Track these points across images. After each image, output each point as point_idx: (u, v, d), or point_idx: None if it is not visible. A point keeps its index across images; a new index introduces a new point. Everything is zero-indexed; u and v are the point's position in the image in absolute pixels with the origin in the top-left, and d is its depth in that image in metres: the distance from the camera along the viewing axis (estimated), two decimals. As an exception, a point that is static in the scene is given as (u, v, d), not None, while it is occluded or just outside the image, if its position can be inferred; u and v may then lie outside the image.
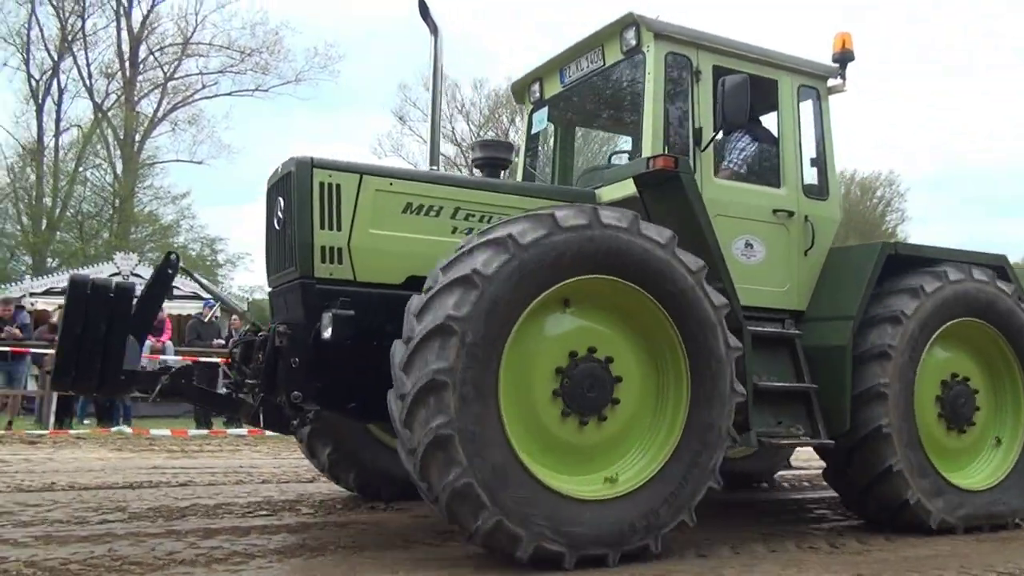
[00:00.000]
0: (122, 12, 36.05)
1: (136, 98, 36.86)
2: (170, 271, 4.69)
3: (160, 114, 37.24)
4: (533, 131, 6.87)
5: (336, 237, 4.92)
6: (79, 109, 41.50)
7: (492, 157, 5.91)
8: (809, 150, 6.32)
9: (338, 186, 4.97)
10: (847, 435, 5.64)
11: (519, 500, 4.23)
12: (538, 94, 6.67)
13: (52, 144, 35.60)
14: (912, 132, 64.69)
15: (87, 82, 35.93)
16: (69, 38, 35.40)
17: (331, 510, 6.30)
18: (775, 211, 5.95)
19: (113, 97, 36.53)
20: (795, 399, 5.64)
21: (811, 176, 6.32)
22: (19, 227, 35.84)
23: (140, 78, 37.06)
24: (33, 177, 34.97)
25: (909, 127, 64.41)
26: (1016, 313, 6.15)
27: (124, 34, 36.29)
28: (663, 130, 5.59)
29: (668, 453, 4.70)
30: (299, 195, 4.92)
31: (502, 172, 5.96)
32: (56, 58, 35.31)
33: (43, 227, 34.82)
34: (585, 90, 6.46)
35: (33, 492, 6.90)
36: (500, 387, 4.31)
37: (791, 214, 6.00)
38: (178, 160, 38.00)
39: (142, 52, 36.63)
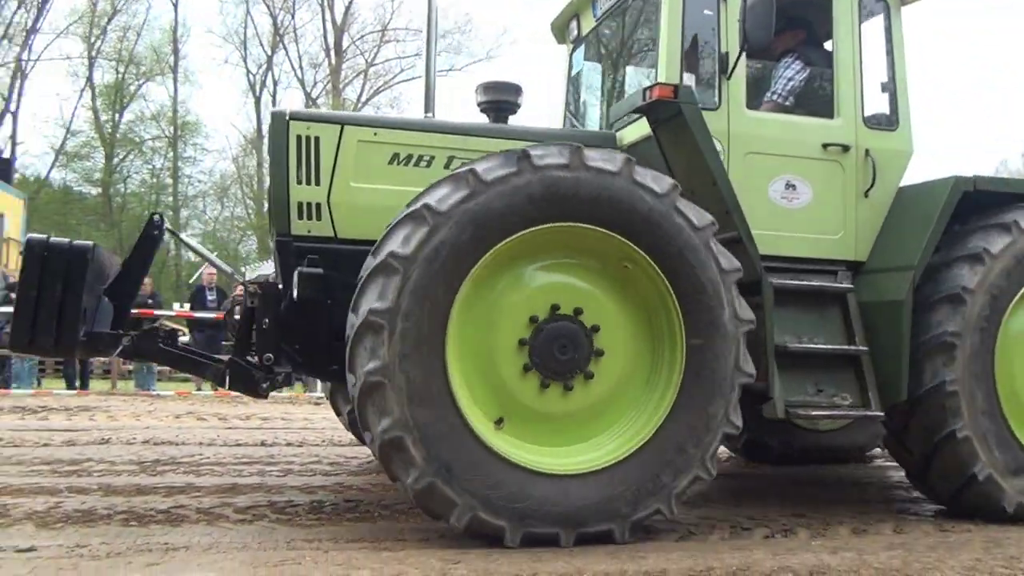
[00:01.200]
0: (326, 5, 38.37)
1: (341, 85, 39.31)
2: (156, 233, 4.78)
3: (363, 99, 39.42)
4: (573, 72, 6.40)
5: (314, 192, 4.77)
6: (291, 99, 44.85)
7: (497, 100, 5.39)
8: (879, 74, 5.42)
9: (316, 139, 4.79)
10: (907, 399, 4.85)
11: (459, 463, 3.93)
12: (576, 31, 6.19)
13: (270, 133, 38.78)
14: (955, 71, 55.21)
15: (298, 73, 38.77)
16: (280, 33, 38.23)
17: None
18: (826, 146, 5.16)
19: (320, 86, 39.15)
20: (842, 364, 4.93)
21: (881, 104, 5.42)
22: (245, 211, 39.51)
23: (344, 66, 39.43)
24: (254, 164, 38.32)
25: (951, 66, 54.71)
26: None
27: (328, 26, 38.71)
28: (679, 57, 4.96)
29: (648, 435, 4.22)
30: (275, 150, 4.80)
31: (509, 117, 5.50)
32: (270, 52, 38.32)
33: (264, 210, 38.09)
34: (616, 22, 5.92)
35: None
36: (448, 337, 4.00)
37: (846, 148, 5.19)
38: (381, 142, 39.99)
39: (345, 41, 38.92)
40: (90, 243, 4.36)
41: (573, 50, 6.35)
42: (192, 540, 4.11)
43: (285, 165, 4.76)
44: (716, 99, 5.00)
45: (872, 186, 5.23)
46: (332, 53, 38.92)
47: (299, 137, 4.79)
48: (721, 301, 4.26)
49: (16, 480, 5.59)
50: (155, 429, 8.95)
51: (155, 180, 40.07)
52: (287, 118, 4.81)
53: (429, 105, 5.54)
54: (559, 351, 4.23)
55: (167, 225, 4.85)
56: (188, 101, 44.90)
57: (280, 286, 4.71)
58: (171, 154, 38.34)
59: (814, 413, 4.87)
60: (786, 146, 5.12)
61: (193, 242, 5.40)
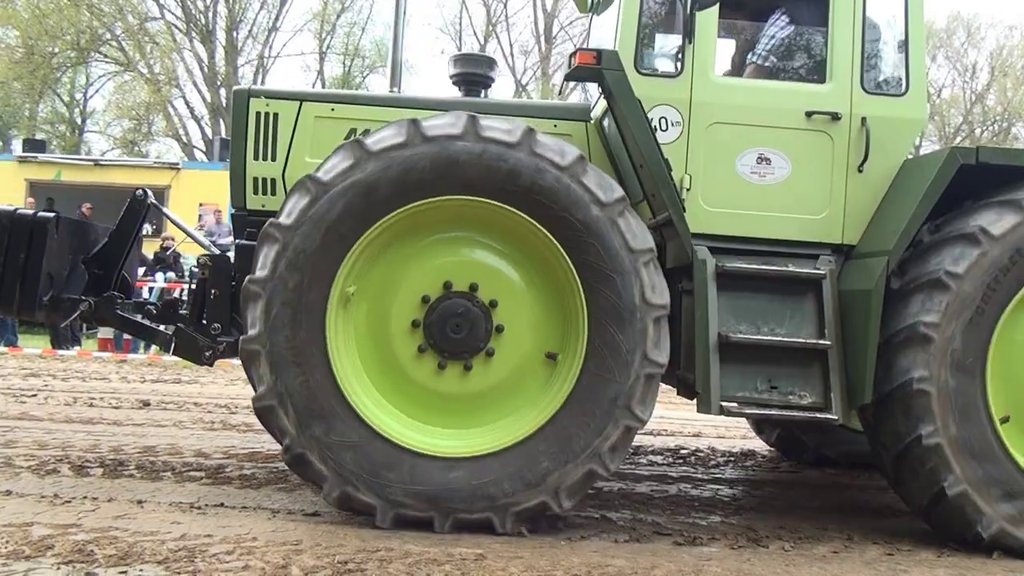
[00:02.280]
0: (537, -8, 39.01)
1: (551, 71, 39.85)
2: (138, 206, 5.13)
3: (571, 85, 39.70)
4: (590, 41, 6.06)
5: (270, 168, 4.87)
6: (502, 87, 46.05)
7: (469, 73, 5.22)
8: (893, 34, 4.73)
9: (275, 115, 4.85)
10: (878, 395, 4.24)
11: (333, 436, 3.91)
12: None
13: (485, 120, 40.36)
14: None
15: (509, 61, 39.77)
16: (493, 22, 39.41)
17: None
18: (810, 114, 4.57)
19: (530, 72, 39.92)
20: (805, 359, 4.36)
21: (893, 66, 4.72)
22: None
23: (553, 52, 39.89)
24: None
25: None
26: None
27: (539, 13, 39.34)
28: (635, 21, 4.59)
29: (540, 423, 4.01)
30: (235, 125, 4.92)
31: (484, 91, 5.30)
32: (483, 42, 39.60)
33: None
34: None
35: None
36: (330, 309, 3.95)
37: (836, 117, 4.57)
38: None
39: (555, 28, 39.39)
40: (52, 215, 4.72)
41: (592, 18, 6.03)
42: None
43: (244, 140, 4.87)
44: (677, 65, 4.60)
45: (865, 159, 4.56)
46: (542, 40, 39.55)
47: (259, 113, 4.88)
48: (628, 282, 3.97)
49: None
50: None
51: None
52: (247, 95, 4.91)
53: (395, 80, 5.48)
54: (453, 330, 4.09)
55: (151, 199, 5.18)
56: (406, 91, 47.40)
57: (200, 259, 4.87)
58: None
59: (748, 411, 4.39)
60: (759, 115, 4.59)
61: (174, 216, 5.74)
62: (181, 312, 5.06)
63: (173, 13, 35.40)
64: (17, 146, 26.11)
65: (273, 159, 4.87)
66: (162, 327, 5.02)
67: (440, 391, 4.15)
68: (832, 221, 4.63)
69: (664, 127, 4.56)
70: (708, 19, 4.56)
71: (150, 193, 5.19)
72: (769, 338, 4.34)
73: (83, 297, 4.83)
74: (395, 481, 3.93)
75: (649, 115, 4.49)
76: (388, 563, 3.48)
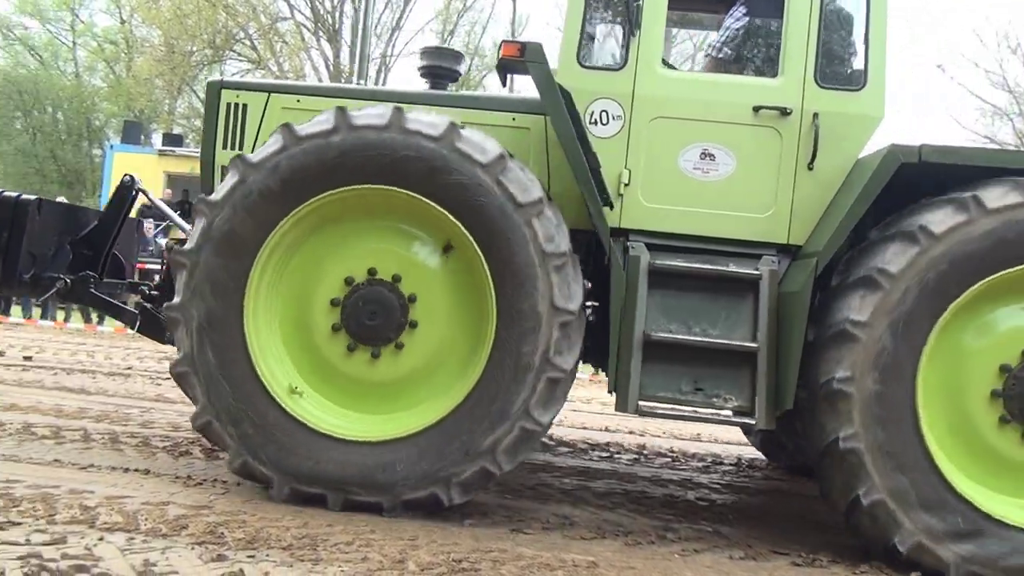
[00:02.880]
0: (657, -10, 38.65)
1: (669, 71, 39.46)
2: (126, 192, 5.36)
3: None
4: None
5: None
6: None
7: (435, 66, 5.20)
8: (854, 27, 4.60)
9: (245, 106, 5.01)
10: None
11: (239, 405, 4.10)
12: None
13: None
14: None
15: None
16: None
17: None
18: (758, 109, 4.43)
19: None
20: (734, 361, 4.24)
21: (852, 60, 4.61)
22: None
23: (674, 51, 39.38)
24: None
25: None
26: None
27: (659, 11, 38.95)
28: (581, 16, 4.56)
29: (440, 416, 4.09)
30: (207, 115, 5.11)
31: (450, 84, 5.32)
32: (601, 41, 39.57)
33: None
34: None
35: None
36: (250, 282, 4.13)
37: (786, 112, 4.43)
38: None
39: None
40: (34, 198, 5.07)
41: None
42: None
43: (214, 130, 5.04)
44: (622, 58, 4.54)
45: (814, 156, 4.41)
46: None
47: (229, 104, 5.03)
48: (536, 286, 4.00)
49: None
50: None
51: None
52: (219, 86, 5.11)
53: (362, 73, 5.63)
54: (368, 316, 4.18)
55: (139, 184, 5.45)
56: (523, 91, 47.68)
57: (168, 243, 5.17)
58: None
59: (661, 411, 4.25)
60: (704, 110, 4.48)
61: (159, 202, 6.00)
62: (151, 292, 5.38)
63: (302, 13, 36.79)
64: (157, 140, 27.69)
65: (241, 148, 5.00)
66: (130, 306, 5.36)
67: (349, 373, 4.26)
68: (778, 220, 4.48)
69: (605, 121, 4.52)
70: (655, 11, 4.49)
71: (137, 178, 5.47)
72: (696, 338, 4.24)
73: (59, 276, 5.12)
74: (293, 457, 4.07)
75: (590, 108, 4.50)
76: (501, 564, 3.52)
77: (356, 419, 4.23)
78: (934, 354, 3.96)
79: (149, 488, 4.23)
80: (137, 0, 36.05)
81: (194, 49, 35.30)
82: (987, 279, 3.91)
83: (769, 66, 4.69)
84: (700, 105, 4.49)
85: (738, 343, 4.22)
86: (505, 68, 4.67)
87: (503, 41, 4.47)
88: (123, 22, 35.65)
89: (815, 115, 4.40)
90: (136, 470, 4.58)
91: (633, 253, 4.36)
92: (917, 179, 4.10)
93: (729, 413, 4.33)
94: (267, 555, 3.34)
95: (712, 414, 4.34)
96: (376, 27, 39.20)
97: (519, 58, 4.33)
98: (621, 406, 4.20)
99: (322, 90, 5.26)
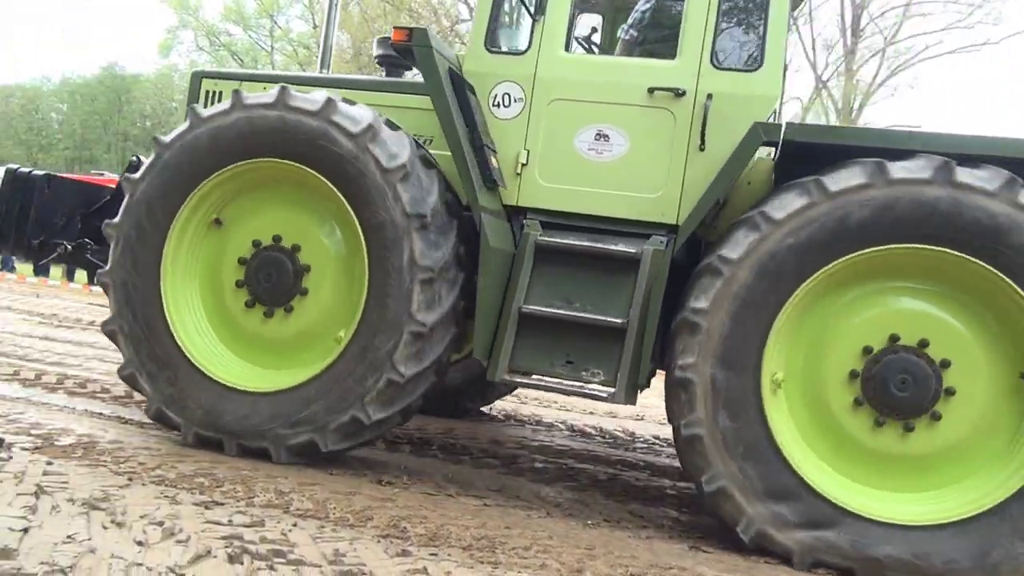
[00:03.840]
0: (847, -17, 36.59)
1: (855, 67, 37.27)
2: (133, 172, 5.50)
3: (879, 80, 36.91)
4: None
5: None
6: (800, 83, 43.81)
7: (390, 56, 5.31)
8: (753, 9, 4.56)
9: (220, 93, 5.38)
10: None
11: (155, 359, 4.56)
12: None
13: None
14: None
15: (809, 56, 37.70)
16: (795, 16, 37.54)
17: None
18: (652, 90, 4.52)
19: (832, 68, 37.56)
20: (605, 337, 4.31)
21: (749, 42, 4.54)
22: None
23: (860, 45, 37.25)
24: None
25: None
26: None
27: (846, 5, 36.88)
28: (490, 2, 4.81)
29: (320, 369, 4.39)
30: (189, 102, 5.44)
31: (405, 72, 5.50)
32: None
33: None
34: None
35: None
36: (165, 255, 4.59)
37: (680, 94, 4.49)
38: (897, 126, 37.30)
39: (863, 20, 36.72)
40: (43, 174, 5.65)
41: None
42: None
43: None
44: (525, 43, 4.78)
45: (703, 137, 4.43)
46: (848, 33, 37.02)
47: (208, 92, 5.48)
48: (400, 246, 4.26)
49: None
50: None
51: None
52: (201, 76, 5.59)
53: (325, 62, 6.08)
54: (265, 278, 4.58)
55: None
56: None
57: None
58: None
59: (520, 381, 4.51)
60: (599, 92, 4.61)
61: None
62: None
63: (480, 15, 37.69)
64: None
65: None
66: None
67: (247, 329, 4.66)
68: (668, 201, 4.51)
69: (507, 103, 4.73)
70: None
71: (143, 159, 5.73)
72: (569, 313, 4.35)
73: (62, 242, 5.57)
74: (197, 406, 4.48)
75: (494, 91, 4.74)
76: (681, 583, 3.40)
77: (252, 372, 4.60)
78: (786, 339, 3.95)
79: (337, 477, 4.39)
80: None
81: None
82: (834, 263, 3.85)
83: (669, 49, 4.68)
84: (596, 87, 4.61)
85: (607, 319, 4.30)
86: (397, 52, 4.87)
87: (394, 28, 4.67)
88: (315, 27, 37.74)
89: (709, 96, 4.42)
90: (324, 459, 4.78)
91: (526, 231, 4.59)
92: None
93: (596, 387, 4.36)
94: (448, 554, 3.37)
95: (578, 387, 4.38)
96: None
97: (407, 42, 4.55)
98: (490, 374, 4.40)
99: (279, 78, 5.53)
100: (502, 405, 7.71)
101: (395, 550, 3.32)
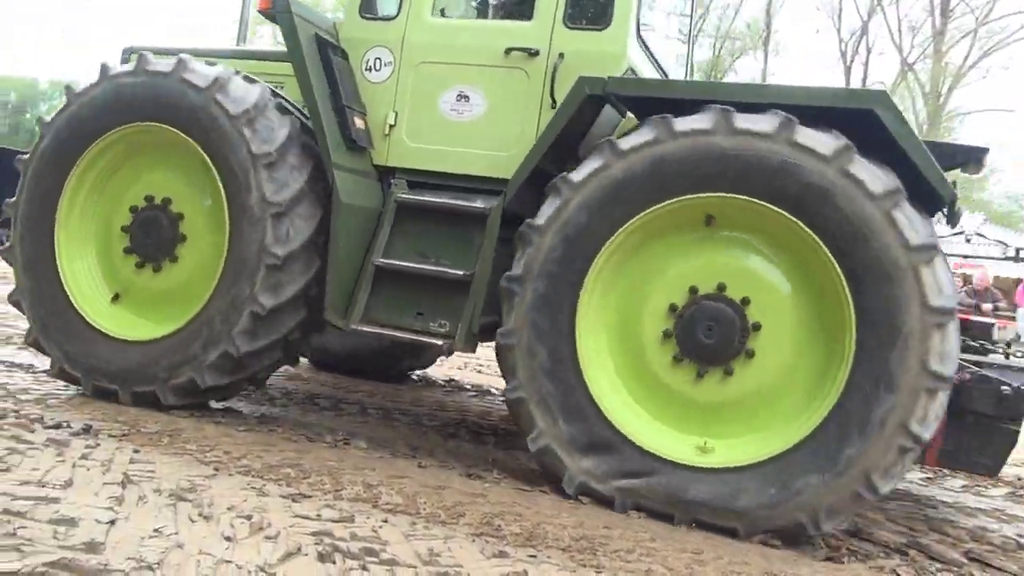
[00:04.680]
0: (931, -38, 35.07)
1: (944, 48, 35.70)
2: None
3: (969, 62, 35.32)
4: None
5: None
6: (883, 66, 42.26)
7: None
8: None
9: None
10: None
11: (55, 322, 4.84)
12: None
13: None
14: None
15: (895, 39, 36.30)
16: (879, -1, 36.14)
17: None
18: (509, 50, 4.66)
19: (919, 50, 36.09)
20: (452, 289, 4.49)
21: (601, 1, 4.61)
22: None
23: (950, 26, 35.68)
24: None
25: None
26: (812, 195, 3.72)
27: (936, -16, 35.31)
28: None
29: (194, 313, 4.61)
30: None
31: None
32: (865, 18, 36.56)
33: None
34: None
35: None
36: (58, 215, 4.86)
37: (534, 54, 4.62)
38: (989, 110, 35.89)
39: (952, 1, 35.14)
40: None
41: None
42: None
43: None
44: (395, 9, 4.94)
45: (553, 95, 4.51)
46: (936, 14, 35.50)
47: None
48: (249, 184, 4.47)
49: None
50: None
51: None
52: (130, 52, 5.62)
53: (241, 35, 6.61)
54: (146, 234, 4.85)
55: None
56: (777, 73, 45.43)
57: None
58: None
59: (367, 329, 4.60)
60: (461, 54, 4.77)
61: None
62: None
63: None
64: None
65: None
66: None
67: (135, 283, 4.91)
68: (520, 158, 4.47)
69: (378, 67, 4.93)
70: None
71: None
72: (418, 267, 4.57)
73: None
74: (93, 359, 4.73)
75: (366, 56, 4.95)
76: (802, 594, 3.11)
77: (144, 325, 4.83)
78: (598, 301, 4.06)
79: (426, 470, 4.22)
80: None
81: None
82: (630, 222, 3.93)
83: (525, 10, 4.77)
84: (459, 50, 4.77)
85: (452, 272, 4.48)
86: (269, 19, 5.01)
87: None
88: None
89: (560, 55, 4.52)
90: (409, 448, 4.63)
91: (391, 189, 4.79)
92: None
93: (438, 337, 4.51)
94: (547, 556, 3.15)
95: (408, 336, 4.56)
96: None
97: (270, 9, 4.74)
98: (344, 323, 4.61)
99: (202, 52, 5.49)
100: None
101: (491, 550, 3.11)
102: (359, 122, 4.79)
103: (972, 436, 4.09)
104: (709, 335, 3.90)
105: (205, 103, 4.56)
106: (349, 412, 5.55)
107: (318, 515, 3.24)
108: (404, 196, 4.70)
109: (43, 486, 3.10)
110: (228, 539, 2.85)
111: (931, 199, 3.84)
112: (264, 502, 3.31)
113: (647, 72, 4.87)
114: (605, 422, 3.95)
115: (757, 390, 3.91)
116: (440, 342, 4.43)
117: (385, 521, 3.29)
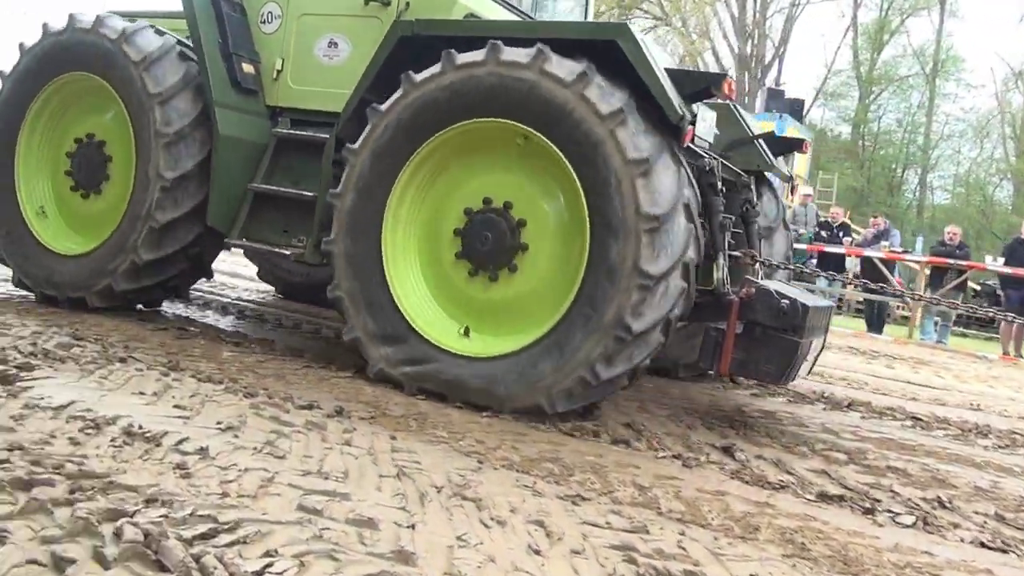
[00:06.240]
0: None
1: None
2: None
3: None
4: None
5: None
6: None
7: None
8: None
9: None
10: None
11: (13, 240, 5.82)
12: None
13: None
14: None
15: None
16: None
17: None
18: (368, 1, 5.27)
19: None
20: (308, 208, 5.16)
21: None
22: (1004, 152, 35.76)
23: None
24: (1021, 100, 34.32)
25: None
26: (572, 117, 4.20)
27: None
28: None
29: (113, 227, 5.44)
30: None
31: None
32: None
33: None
34: None
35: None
36: (17, 152, 5.80)
37: (387, 3, 5.23)
38: None
39: None
40: None
41: None
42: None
43: None
44: None
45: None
46: None
47: None
48: (147, 118, 5.30)
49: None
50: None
51: (909, 118, 39.00)
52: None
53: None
54: (79, 170, 5.78)
55: None
56: (952, 35, 42.18)
57: None
58: (928, 91, 36.69)
59: (241, 243, 5.42)
60: (332, 5, 5.38)
61: None
62: None
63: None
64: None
65: None
66: None
67: (72, 207, 5.86)
68: None
69: (270, 20, 5.64)
70: None
71: None
72: (279, 189, 5.27)
73: None
74: (41, 271, 5.66)
75: (261, 11, 5.68)
76: None
77: (79, 243, 5.69)
78: (407, 210, 4.64)
79: (694, 471, 3.82)
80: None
81: (603, 9, 36.05)
82: (430, 140, 4.50)
83: None
84: (329, 3, 5.40)
85: (304, 194, 5.15)
86: None
87: None
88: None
89: (407, 4, 5.13)
90: (682, 456, 4.26)
91: (275, 126, 5.50)
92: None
93: (295, 249, 5.20)
94: (883, 588, 2.71)
95: (269, 248, 5.32)
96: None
97: None
98: (227, 238, 5.42)
99: (161, 13, 6.29)
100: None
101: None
102: (247, 67, 5.52)
103: (759, 347, 4.46)
104: (484, 243, 4.50)
105: (114, 50, 5.38)
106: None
107: (607, 523, 2.91)
108: (280, 131, 5.42)
109: (325, 478, 2.90)
110: (535, 552, 2.55)
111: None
112: (544, 504, 3.01)
113: (495, 15, 5.38)
114: (399, 315, 4.54)
115: (516, 296, 4.49)
116: (289, 252, 5.22)
117: (682, 533, 2.92)
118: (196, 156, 5.31)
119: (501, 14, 5.52)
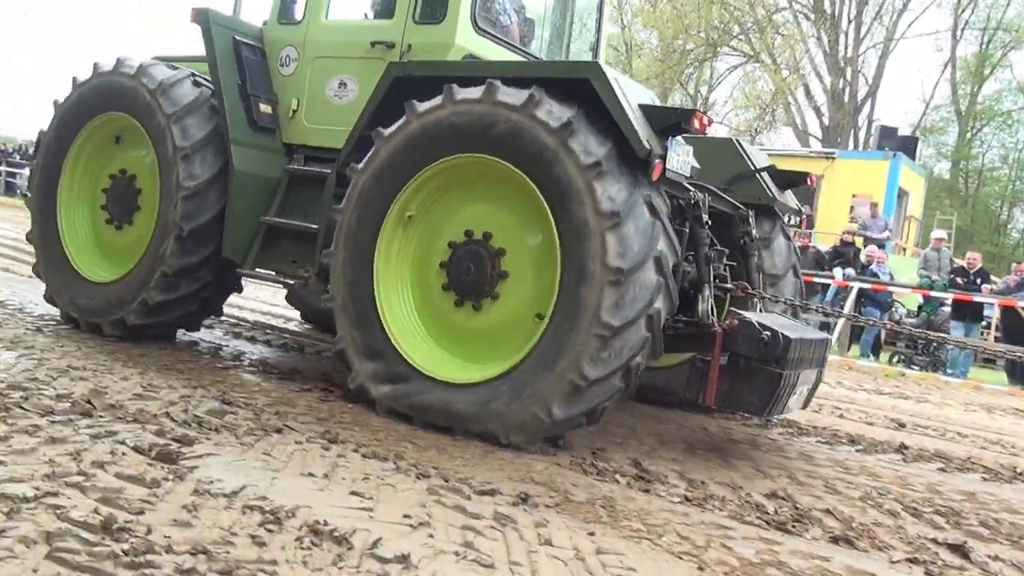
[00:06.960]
0: None
1: None
2: None
3: None
4: None
5: None
6: None
7: None
8: None
9: None
10: None
11: (49, 265, 6.06)
12: None
13: None
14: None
15: None
16: None
17: None
18: (374, 44, 5.49)
19: None
20: (312, 240, 5.29)
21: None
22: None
23: None
24: None
25: None
26: (534, 146, 4.33)
27: None
28: None
29: (145, 245, 5.60)
30: None
31: None
32: None
33: None
34: None
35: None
36: (61, 184, 6.04)
37: (391, 46, 5.43)
38: None
39: None
40: None
41: None
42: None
43: None
44: (301, 14, 5.89)
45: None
46: None
47: None
48: (165, 138, 5.55)
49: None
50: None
51: (1017, 154, 37.40)
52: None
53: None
54: (115, 202, 5.97)
55: None
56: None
57: None
58: (1034, 126, 35.08)
59: (247, 272, 5.67)
60: (342, 48, 5.66)
61: None
62: None
63: (800, 2, 35.07)
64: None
65: None
66: None
67: (110, 243, 6.05)
68: None
69: (287, 63, 5.88)
70: None
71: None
72: (289, 223, 5.50)
73: None
74: (68, 294, 5.89)
75: (280, 55, 5.91)
76: None
77: (105, 267, 5.96)
78: (401, 232, 4.79)
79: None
80: (638, 5, 37.45)
81: (689, 48, 35.69)
82: (425, 169, 4.63)
83: (389, 10, 5.59)
84: (341, 45, 5.67)
85: (310, 227, 5.31)
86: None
87: (192, 8, 5.76)
88: (624, 28, 37.26)
89: (409, 46, 5.34)
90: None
91: (290, 162, 5.73)
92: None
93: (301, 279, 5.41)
94: None
95: (280, 279, 5.66)
96: (880, 10, 36.01)
97: (195, 20, 5.72)
98: (241, 267, 5.60)
99: (187, 58, 6.43)
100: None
101: None
102: (264, 107, 5.75)
103: (743, 378, 4.47)
104: (467, 274, 4.61)
105: (135, 84, 5.64)
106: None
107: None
108: (291, 168, 5.67)
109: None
110: None
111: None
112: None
113: (495, 56, 5.44)
114: (384, 334, 4.65)
115: (501, 323, 4.58)
116: (291, 282, 5.58)
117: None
118: (212, 209, 5.50)
119: (502, 55, 5.56)
